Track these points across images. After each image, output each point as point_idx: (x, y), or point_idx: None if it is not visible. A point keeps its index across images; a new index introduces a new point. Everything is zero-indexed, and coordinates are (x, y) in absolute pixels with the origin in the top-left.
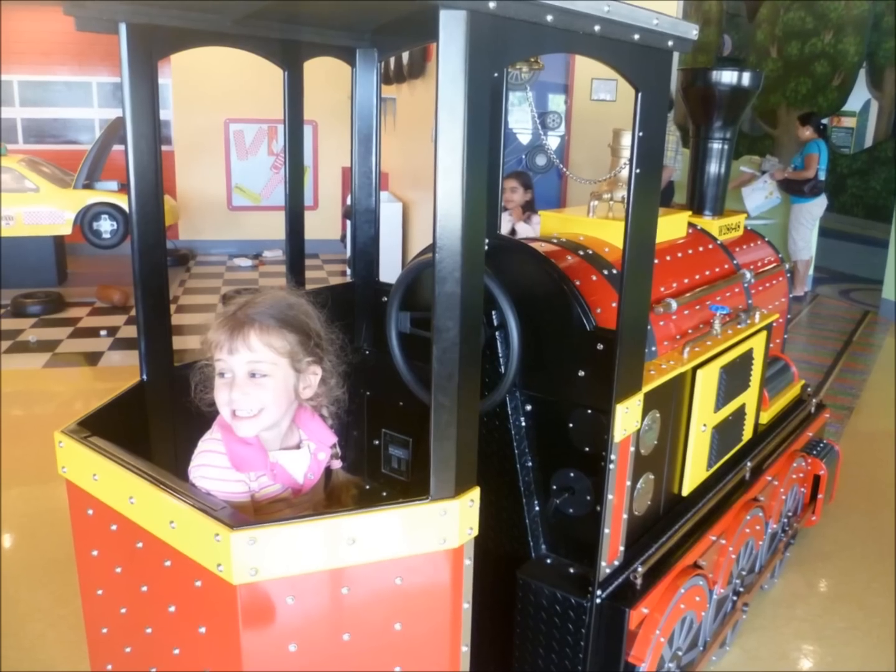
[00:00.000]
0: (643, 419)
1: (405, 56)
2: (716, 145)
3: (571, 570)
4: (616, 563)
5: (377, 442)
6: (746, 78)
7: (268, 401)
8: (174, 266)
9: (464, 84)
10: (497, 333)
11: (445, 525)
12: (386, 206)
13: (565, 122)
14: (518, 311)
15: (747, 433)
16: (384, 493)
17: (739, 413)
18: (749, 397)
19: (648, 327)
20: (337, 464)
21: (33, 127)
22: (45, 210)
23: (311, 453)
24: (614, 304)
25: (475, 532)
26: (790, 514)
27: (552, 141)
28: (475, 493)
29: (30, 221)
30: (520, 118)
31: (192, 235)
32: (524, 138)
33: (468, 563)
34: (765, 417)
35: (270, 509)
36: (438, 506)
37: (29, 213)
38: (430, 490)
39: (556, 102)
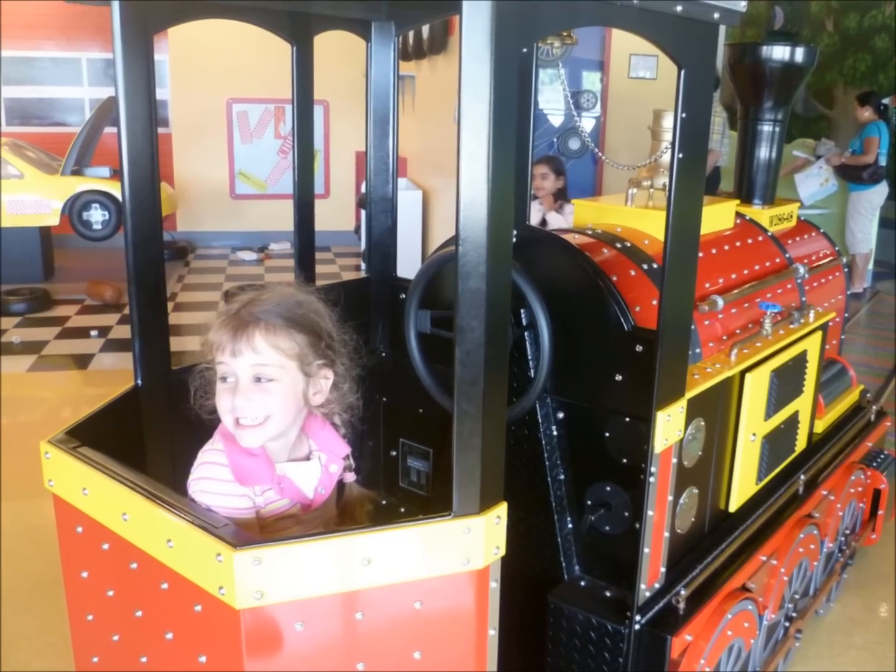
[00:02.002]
0: (686, 428)
1: (425, 30)
2: (766, 127)
3: (608, 594)
4: (657, 585)
5: (394, 453)
6: (800, 53)
7: (274, 408)
8: (172, 260)
9: (489, 61)
10: (526, 334)
11: (469, 544)
12: (404, 193)
13: (601, 102)
14: (549, 309)
15: (800, 443)
16: (402, 509)
17: (792, 421)
18: (802, 404)
19: (692, 327)
20: (350, 477)
21: (17, 107)
22: (30, 199)
23: (321, 465)
24: (655, 302)
25: (502, 552)
26: (848, 531)
27: (586, 123)
28: (502, 509)
29: (13, 211)
30: (551, 98)
31: (191, 226)
32: (556, 120)
33: (494, 585)
34: (820, 426)
35: (277, 527)
36: (461, 523)
37: (12, 202)
38: (453, 505)
39: (590, 81)
